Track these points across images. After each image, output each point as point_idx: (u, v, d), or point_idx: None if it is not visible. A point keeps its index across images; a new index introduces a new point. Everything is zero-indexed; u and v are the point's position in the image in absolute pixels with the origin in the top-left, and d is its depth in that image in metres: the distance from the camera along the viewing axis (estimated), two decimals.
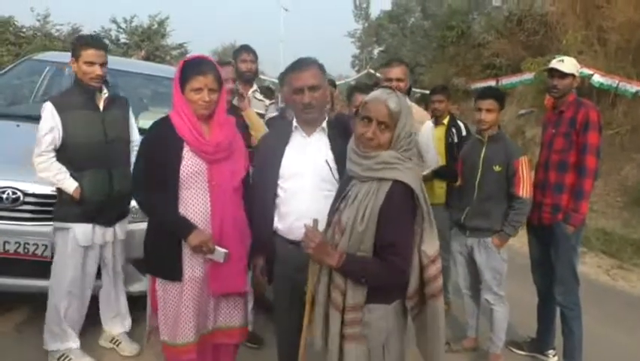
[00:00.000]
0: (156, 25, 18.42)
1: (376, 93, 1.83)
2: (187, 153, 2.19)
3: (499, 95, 3.21)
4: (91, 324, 3.02)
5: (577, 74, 3.15)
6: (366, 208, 1.72)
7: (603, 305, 4.63)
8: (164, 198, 2.19)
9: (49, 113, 2.69)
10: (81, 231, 2.74)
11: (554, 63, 3.14)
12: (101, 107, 2.81)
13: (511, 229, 3.09)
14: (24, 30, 14.81)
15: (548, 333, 3.42)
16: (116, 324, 3.05)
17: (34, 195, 2.91)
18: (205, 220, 2.21)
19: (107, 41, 18.32)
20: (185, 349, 2.24)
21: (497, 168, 3.07)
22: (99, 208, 2.75)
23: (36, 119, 3.57)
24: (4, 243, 2.88)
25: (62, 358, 2.81)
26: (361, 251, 1.75)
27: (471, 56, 13.02)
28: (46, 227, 2.89)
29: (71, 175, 2.72)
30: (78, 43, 2.78)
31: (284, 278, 2.24)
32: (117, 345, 3.03)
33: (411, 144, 1.81)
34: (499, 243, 3.11)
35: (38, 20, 15.49)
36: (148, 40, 17.94)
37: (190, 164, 2.18)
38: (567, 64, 3.11)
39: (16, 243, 2.90)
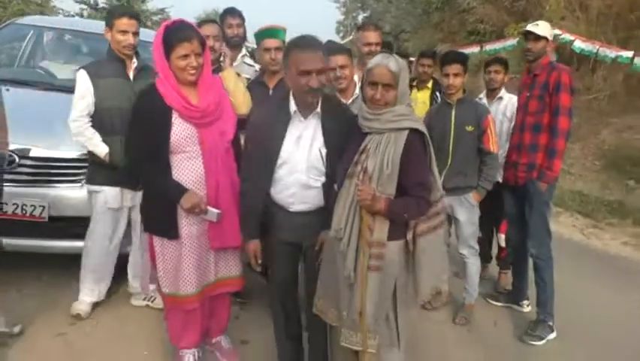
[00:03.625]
0: None
1: (377, 59, 2.07)
2: (176, 120, 2.24)
3: (463, 59, 3.31)
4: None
5: (550, 37, 3.29)
6: (389, 155, 1.99)
7: (576, 261, 4.86)
8: (157, 165, 2.26)
9: (82, 80, 2.78)
10: (111, 194, 2.86)
11: (530, 26, 3.28)
12: (131, 76, 2.88)
13: (488, 184, 3.28)
14: None
15: (523, 285, 3.65)
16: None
17: (29, 157, 2.99)
18: (200, 183, 2.30)
19: (85, 6, 17.97)
20: (189, 300, 2.39)
21: (470, 128, 3.20)
22: (127, 172, 2.78)
23: (21, 83, 3.65)
24: (2, 204, 2.94)
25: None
26: (387, 194, 2.00)
27: (456, 22, 13.03)
28: (42, 189, 3.00)
29: (103, 140, 2.81)
30: (112, 13, 2.88)
31: (280, 240, 2.33)
32: (152, 301, 3.16)
33: (409, 99, 2.09)
34: (478, 198, 3.29)
35: None
36: (127, 4, 17.48)
37: (180, 130, 2.24)
38: (541, 27, 3.25)
39: (13, 204, 2.98)
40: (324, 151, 2.19)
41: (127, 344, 2.81)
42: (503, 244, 4.01)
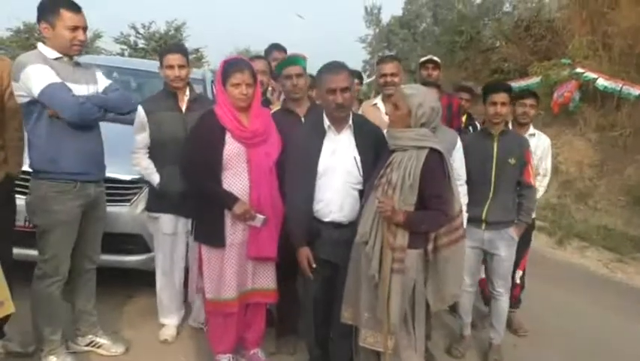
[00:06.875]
0: (173, 31, 19.05)
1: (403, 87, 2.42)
2: (229, 139, 2.58)
3: (510, 89, 3.27)
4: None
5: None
6: (411, 168, 2.23)
7: (600, 293, 4.95)
8: (211, 177, 2.57)
9: (139, 115, 2.99)
10: (166, 220, 3.06)
11: (430, 56, 4.35)
12: (184, 108, 3.06)
13: (529, 218, 3.20)
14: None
15: None
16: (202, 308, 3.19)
17: None
18: (244, 195, 2.58)
19: (125, 46, 19.09)
20: (228, 304, 2.65)
21: (512, 161, 3.10)
22: (180, 200, 2.94)
23: None
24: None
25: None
26: (408, 204, 2.22)
27: (480, 60, 13.33)
28: None
29: (158, 170, 3.02)
30: (161, 51, 3.15)
31: (315, 257, 2.52)
32: (206, 326, 3.20)
33: (435, 123, 2.33)
34: (518, 233, 3.19)
35: None
36: (165, 45, 18.50)
37: (232, 148, 2.57)
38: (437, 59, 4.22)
39: None
40: (358, 158, 2.47)
41: (167, 352, 3.04)
42: (519, 281, 3.80)
